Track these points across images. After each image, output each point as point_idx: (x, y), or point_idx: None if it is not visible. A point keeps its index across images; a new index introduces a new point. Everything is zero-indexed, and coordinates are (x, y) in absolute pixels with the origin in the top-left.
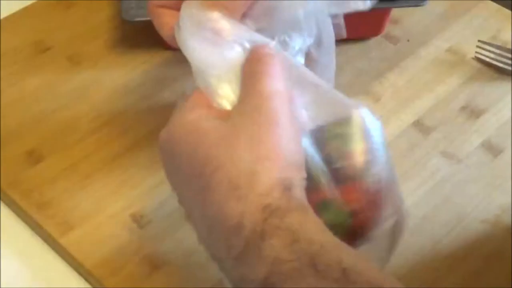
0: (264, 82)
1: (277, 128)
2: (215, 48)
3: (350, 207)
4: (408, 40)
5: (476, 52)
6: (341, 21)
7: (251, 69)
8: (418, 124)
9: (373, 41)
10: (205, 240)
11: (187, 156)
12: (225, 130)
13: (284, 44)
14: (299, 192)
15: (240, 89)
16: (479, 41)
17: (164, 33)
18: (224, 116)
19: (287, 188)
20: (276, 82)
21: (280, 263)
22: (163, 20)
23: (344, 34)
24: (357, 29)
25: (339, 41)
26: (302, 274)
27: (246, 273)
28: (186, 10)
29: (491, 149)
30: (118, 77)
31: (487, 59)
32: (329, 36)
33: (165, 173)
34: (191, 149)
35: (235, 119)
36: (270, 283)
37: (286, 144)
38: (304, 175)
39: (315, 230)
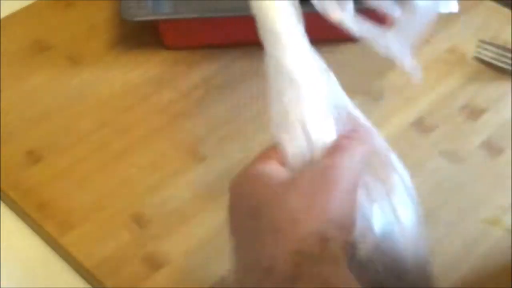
0: (342, 156)
1: (334, 190)
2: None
3: None
4: None
5: (476, 52)
6: None
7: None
8: (418, 124)
9: None
10: (240, 280)
11: (247, 197)
12: (285, 178)
13: None
14: (337, 249)
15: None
16: (479, 41)
17: None
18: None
19: (324, 239)
20: (353, 160)
21: None
22: None
23: None
24: None
25: (339, 41)
26: None
27: None
28: None
29: (491, 149)
30: (118, 77)
31: (487, 59)
32: None
33: (229, 216)
34: (251, 190)
35: (299, 173)
36: None
37: (337, 205)
38: (348, 238)
39: (346, 282)
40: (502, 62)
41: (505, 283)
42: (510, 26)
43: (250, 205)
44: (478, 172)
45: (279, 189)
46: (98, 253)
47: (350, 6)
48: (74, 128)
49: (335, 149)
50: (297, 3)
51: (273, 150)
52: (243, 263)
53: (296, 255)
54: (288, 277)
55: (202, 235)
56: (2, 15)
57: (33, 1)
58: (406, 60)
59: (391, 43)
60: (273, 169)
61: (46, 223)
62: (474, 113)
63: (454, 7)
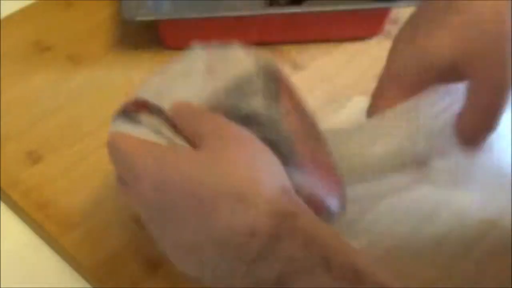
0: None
1: (255, 144)
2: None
3: None
4: None
5: None
6: None
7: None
8: None
9: (373, 41)
10: (212, 270)
11: (178, 193)
12: (200, 155)
13: None
14: (296, 196)
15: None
16: None
17: None
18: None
19: (289, 191)
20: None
21: (294, 261)
22: None
23: None
24: (357, 28)
25: (339, 41)
26: (315, 273)
27: (259, 275)
28: None
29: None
30: (118, 77)
31: None
32: None
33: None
34: (180, 184)
35: (207, 146)
36: (283, 282)
37: (269, 155)
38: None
39: (329, 234)
40: None
41: (505, 283)
42: None
43: (185, 197)
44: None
45: (211, 165)
46: (98, 253)
47: None
48: (74, 128)
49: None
50: None
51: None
52: (212, 248)
53: (275, 217)
54: (273, 236)
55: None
56: (2, 15)
57: (33, 1)
58: None
59: None
60: (171, 151)
61: (46, 223)
62: None
63: None
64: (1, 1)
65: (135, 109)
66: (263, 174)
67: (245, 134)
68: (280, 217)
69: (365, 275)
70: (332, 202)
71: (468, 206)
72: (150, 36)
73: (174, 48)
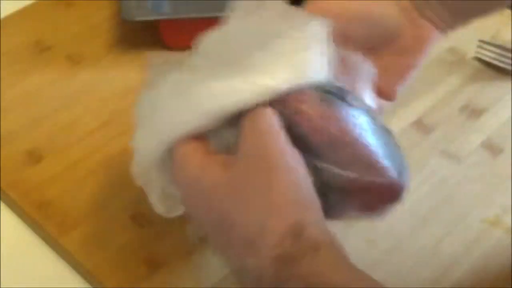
0: (260, 120)
1: (278, 171)
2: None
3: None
4: None
5: (476, 52)
6: None
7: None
8: (418, 124)
9: None
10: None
11: (204, 214)
12: (231, 180)
13: None
14: (314, 230)
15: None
16: (479, 41)
17: None
18: (224, 162)
19: (297, 233)
20: (270, 119)
21: None
22: None
23: None
24: None
25: None
26: None
27: None
28: None
29: (491, 149)
30: (118, 77)
31: (487, 59)
32: None
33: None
34: (205, 208)
35: (238, 166)
36: None
37: (289, 186)
38: (318, 212)
39: (329, 270)
40: (502, 62)
41: (505, 283)
42: (510, 26)
43: (210, 220)
44: (478, 172)
45: (231, 195)
46: (98, 253)
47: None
48: (74, 128)
49: (245, 128)
50: None
51: (194, 142)
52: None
53: (276, 261)
54: (275, 282)
55: (202, 235)
56: (2, 15)
57: (33, 1)
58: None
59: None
60: (208, 169)
61: (46, 223)
62: (474, 113)
63: None
64: (1, 1)
65: None
66: (276, 214)
67: (281, 153)
68: (281, 261)
69: None
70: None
71: (468, 206)
72: (150, 36)
73: (174, 48)
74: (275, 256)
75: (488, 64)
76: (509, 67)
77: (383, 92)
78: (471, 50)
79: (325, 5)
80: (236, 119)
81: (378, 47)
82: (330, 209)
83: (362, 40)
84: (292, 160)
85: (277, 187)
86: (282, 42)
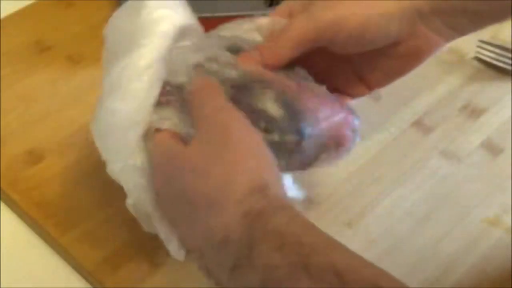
0: (209, 103)
1: (236, 136)
2: None
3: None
4: None
5: (476, 52)
6: None
7: (195, 97)
8: (418, 124)
9: None
10: (201, 262)
11: (169, 187)
12: (192, 150)
13: None
14: (277, 190)
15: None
16: (479, 41)
17: None
18: (186, 140)
19: (263, 188)
20: (219, 99)
21: (272, 269)
22: None
23: None
24: None
25: None
26: (296, 279)
27: (241, 284)
28: None
29: (491, 149)
30: None
31: (487, 59)
32: None
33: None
34: (170, 179)
35: (197, 138)
36: None
37: (249, 148)
38: (277, 172)
39: (303, 230)
40: (502, 62)
41: (505, 283)
42: (510, 26)
43: (175, 192)
44: (478, 172)
45: (192, 165)
46: (98, 253)
47: None
48: (74, 128)
49: (197, 102)
50: None
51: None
52: (196, 244)
53: (245, 217)
54: (245, 241)
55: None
56: (2, 15)
57: (33, 1)
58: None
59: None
60: (172, 146)
61: (46, 223)
62: (474, 113)
63: None
64: (1, 1)
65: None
66: (238, 173)
67: (232, 122)
68: (249, 218)
69: (347, 275)
70: (353, 120)
71: (468, 206)
72: None
73: None
74: (242, 212)
75: (488, 64)
76: (509, 67)
77: (366, 85)
78: (471, 50)
79: (324, 13)
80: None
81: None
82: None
83: (353, 49)
84: (245, 122)
85: (237, 148)
86: None
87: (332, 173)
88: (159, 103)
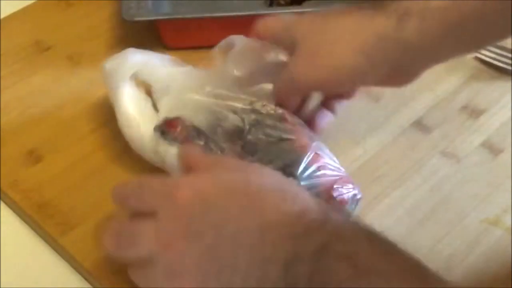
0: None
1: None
2: None
3: None
4: None
5: (476, 52)
6: None
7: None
8: (418, 124)
9: None
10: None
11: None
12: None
13: None
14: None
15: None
16: None
17: None
18: None
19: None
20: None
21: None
22: None
23: None
24: None
25: None
26: None
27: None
28: None
29: (491, 149)
30: None
31: (487, 59)
32: None
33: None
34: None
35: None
36: None
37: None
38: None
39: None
40: (502, 62)
41: (505, 283)
42: None
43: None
44: (478, 172)
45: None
46: (98, 253)
47: None
48: (74, 128)
49: None
50: None
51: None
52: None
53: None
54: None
55: None
56: (2, 15)
57: (33, 1)
58: None
59: None
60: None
61: (46, 223)
62: (474, 113)
63: None
64: (1, 1)
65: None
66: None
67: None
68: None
69: None
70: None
71: (468, 206)
72: (150, 36)
73: (174, 48)
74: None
75: (488, 64)
76: (509, 67)
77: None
78: None
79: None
80: None
81: None
82: None
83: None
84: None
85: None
86: None
87: None
88: None
